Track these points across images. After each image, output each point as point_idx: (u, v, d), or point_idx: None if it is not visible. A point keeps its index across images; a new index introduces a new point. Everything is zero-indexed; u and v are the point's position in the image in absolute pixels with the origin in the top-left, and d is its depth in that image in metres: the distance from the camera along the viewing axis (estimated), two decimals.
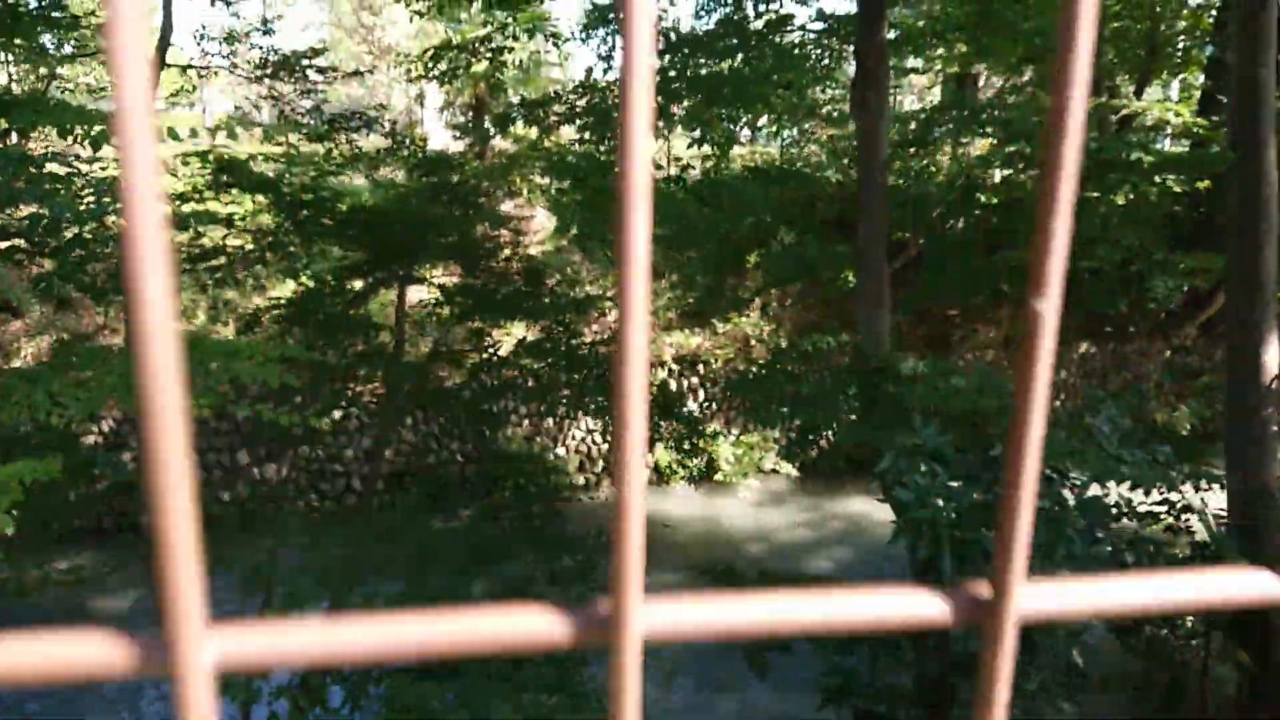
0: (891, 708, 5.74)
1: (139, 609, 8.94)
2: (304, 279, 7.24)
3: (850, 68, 8.15)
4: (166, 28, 5.68)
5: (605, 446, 7.18)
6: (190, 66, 7.22)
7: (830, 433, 5.79)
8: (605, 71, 7.00)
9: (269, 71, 7.17)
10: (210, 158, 6.38)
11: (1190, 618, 6.76)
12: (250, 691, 4.79)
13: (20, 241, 5.77)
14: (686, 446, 7.72)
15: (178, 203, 6.87)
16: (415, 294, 12.27)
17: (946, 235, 8.00)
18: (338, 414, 6.67)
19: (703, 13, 7.13)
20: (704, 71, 5.76)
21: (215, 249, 6.95)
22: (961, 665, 5.70)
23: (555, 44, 7.25)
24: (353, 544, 5.23)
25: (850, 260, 7.21)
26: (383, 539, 5.36)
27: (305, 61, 7.07)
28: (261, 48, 7.45)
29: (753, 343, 16.89)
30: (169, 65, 6.18)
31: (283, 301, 7.25)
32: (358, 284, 7.86)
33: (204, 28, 7.50)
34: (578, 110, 6.61)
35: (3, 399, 3.75)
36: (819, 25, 8.03)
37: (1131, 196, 7.89)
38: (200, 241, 7.34)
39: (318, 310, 7.21)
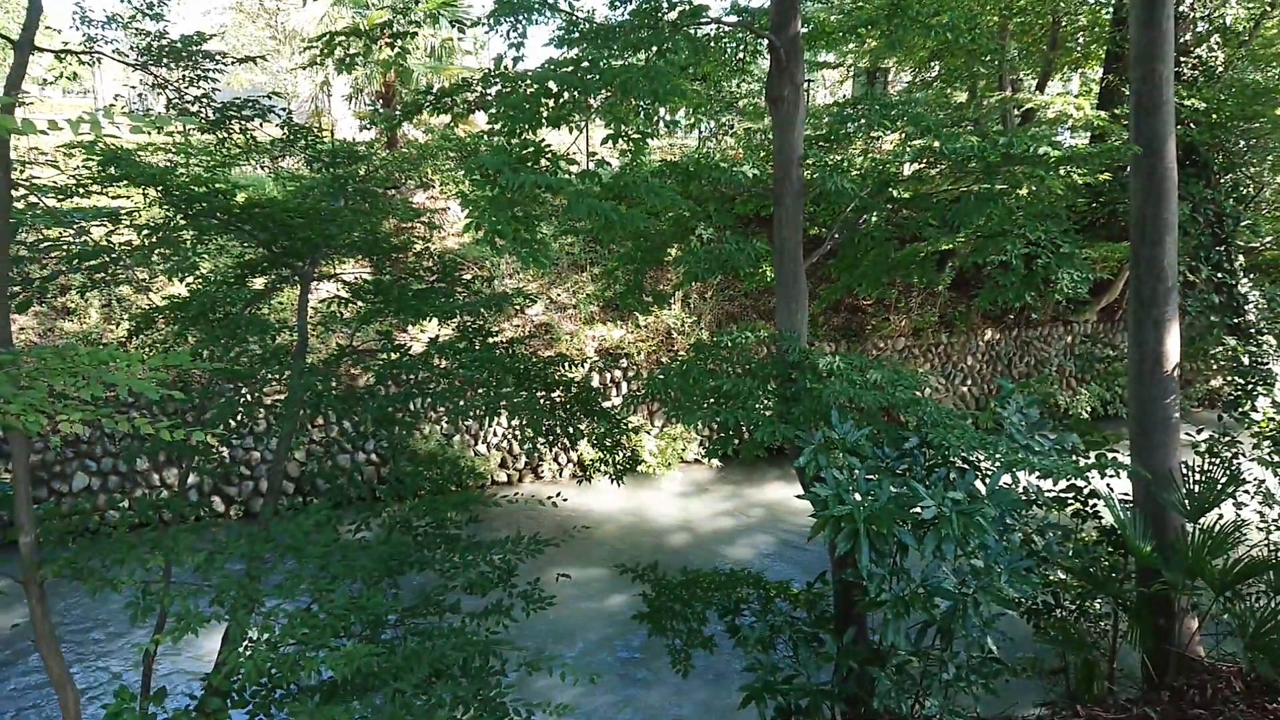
0: (814, 703, 5.75)
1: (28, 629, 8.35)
2: (197, 277, 6.82)
3: (764, 61, 8.12)
4: (35, 7, 5.23)
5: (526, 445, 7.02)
6: (66, 51, 6.69)
7: (750, 429, 5.74)
8: (515, 62, 6.78)
9: (155, 57, 6.70)
10: (97, 149, 5.94)
11: (1099, 601, 6.99)
12: (145, 715, 4.49)
13: None
14: (609, 443, 7.58)
15: (60, 197, 6.40)
16: (326, 291, 11.81)
17: (861, 229, 8.05)
18: (238, 419, 6.29)
19: (618, 3, 6.98)
20: (618, 63, 5.62)
21: (100, 247, 6.50)
22: (879, 657, 5.75)
23: (461, 30, 7.03)
24: (254, 558, 4.93)
25: (768, 255, 7.19)
26: (288, 550, 5.06)
27: (194, 46, 6.63)
28: (149, 32, 6.95)
29: (675, 336, 16.89)
30: (40, 49, 5.70)
31: (177, 301, 6.83)
32: (258, 282, 7.47)
33: (82, 9, 6.97)
34: (489, 98, 6.39)
35: None
36: (733, 18, 7.96)
37: (1034, 189, 8.09)
38: (85, 238, 6.87)
39: (214, 309, 6.81)
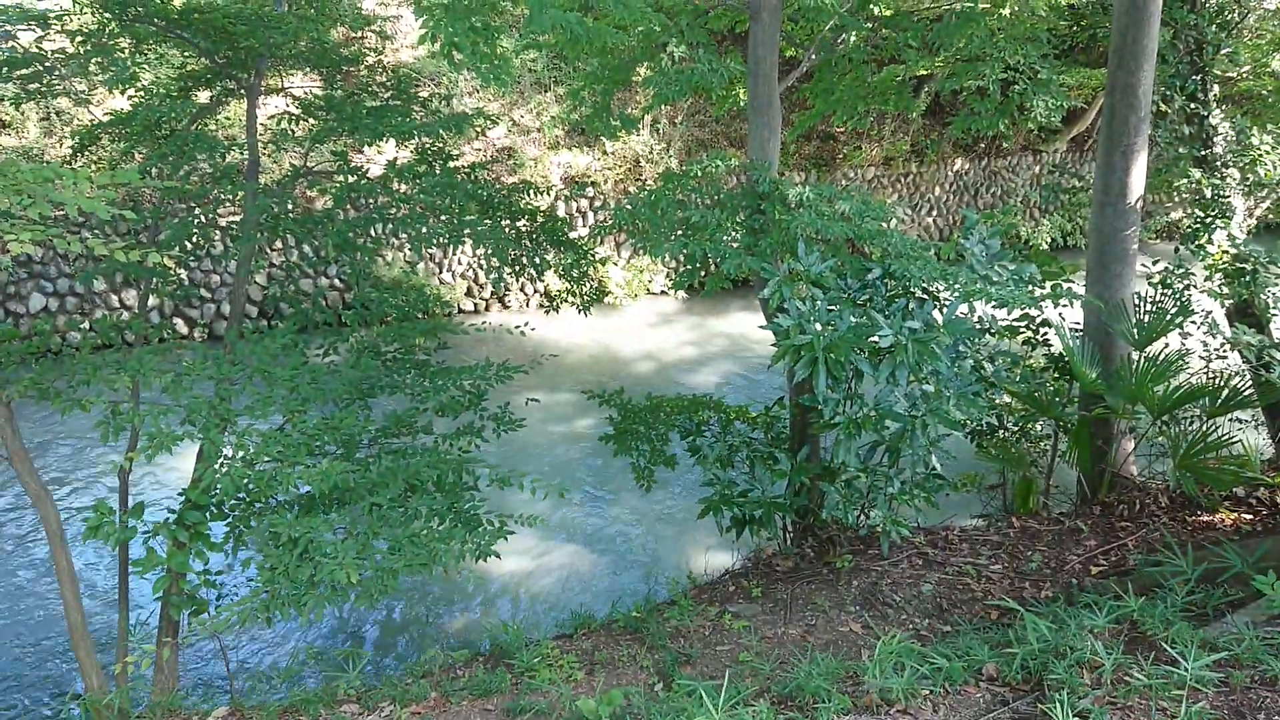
0: (767, 513, 6.12)
1: None
2: (139, 90, 6.42)
3: None
4: None
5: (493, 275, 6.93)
6: None
7: (717, 261, 5.75)
8: None
9: None
10: None
11: (1041, 424, 7.36)
12: (126, 530, 4.65)
13: None
14: (575, 274, 7.55)
15: None
16: (275, 107, 11.22)
17: (839, 50, 7.74)
18: (194, 240, 6.13)
19: None
20: None
21: (30, 54, 6.05)
22: (830, 473, 6.08)
23: None
24: (222, 379, 4.97)
25: (741, 77, 6.92)
26: (256, 372, 5.09)
27: None
28: None
29: (643, 163, 16.49)
30: None
31: (120, 115, 6.46)
32: (202, 96, 7.06)
33: None
34: None
35: None
36: None
37: (1017, 9, 7.77)
38: (11, 44, 6.38)
39: (159, 125, 6.47)
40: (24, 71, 5.96)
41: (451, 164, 6.95)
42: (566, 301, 7.26)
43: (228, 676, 5.79)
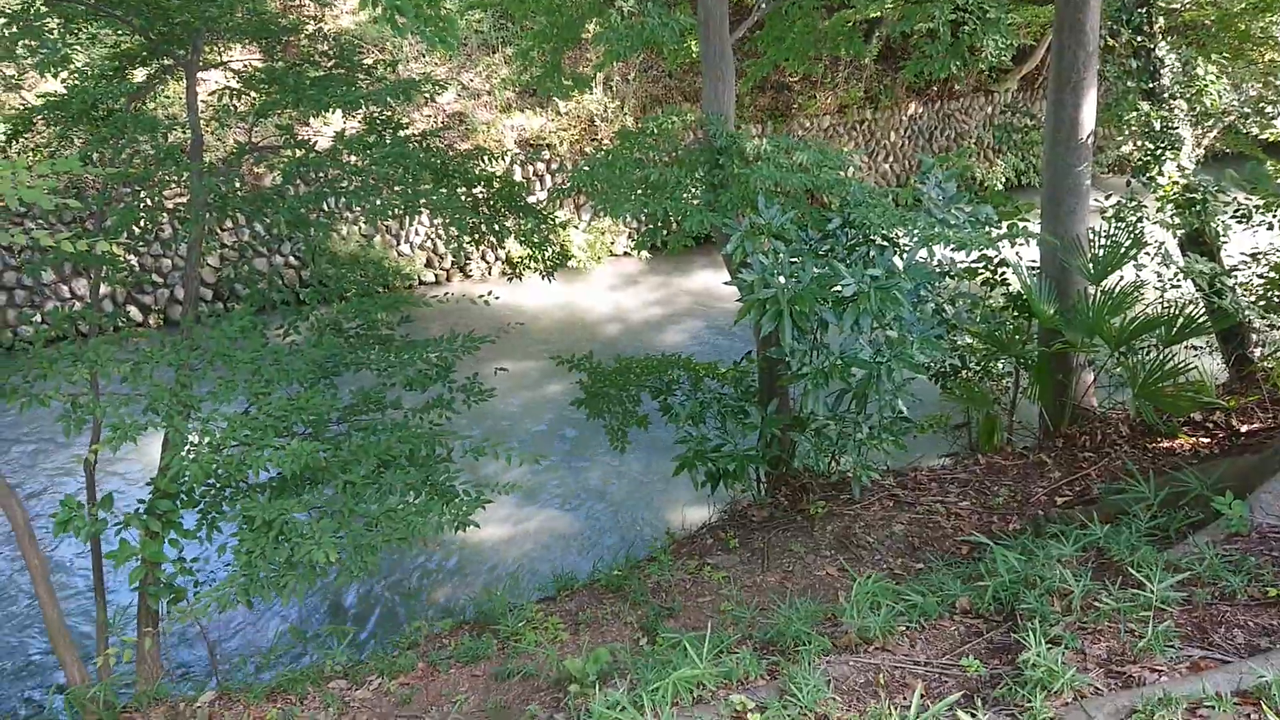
0: (740, 466, 6.19)
1: None
2: (72, 72, 6.19)
3: None
4: None
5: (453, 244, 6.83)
6: None
7: (679, 219, 5.72)
8: None
9: None
10: None
11: (1002, 362, 7.49)
12: (97, 523, 4.59)
13: None
14: (536, 240, 7.47)
15: None
16: (215, 82, 10.88)
17: None
18: (141, 225, 5.97)
19: None
20: None
21: None
22: (799, 423, 6.16)
23: None
24: (181, 365, 4.88)
25: (692, 30, 6.83)
26: (216, 356, 5.01)
27: None
28: None
29: (598, 123, 16.29)
30: None
31: (55, 99, 6.23)
32: (139, 75, 6.82)
33: None
34: None
35: None
36: None
37: None
38: None
39: (95, 107, 6.25)
40: None
41: (402, 133, 6.81)
42: (529, 268, 7.22)
43: (212, 661, 5.78)
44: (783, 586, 5.15)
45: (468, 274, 15.15)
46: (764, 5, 7.49)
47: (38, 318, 11.56)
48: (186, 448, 4.50)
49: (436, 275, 14.95)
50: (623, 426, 7.40)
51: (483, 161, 7.22)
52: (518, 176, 14.93)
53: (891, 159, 19.09)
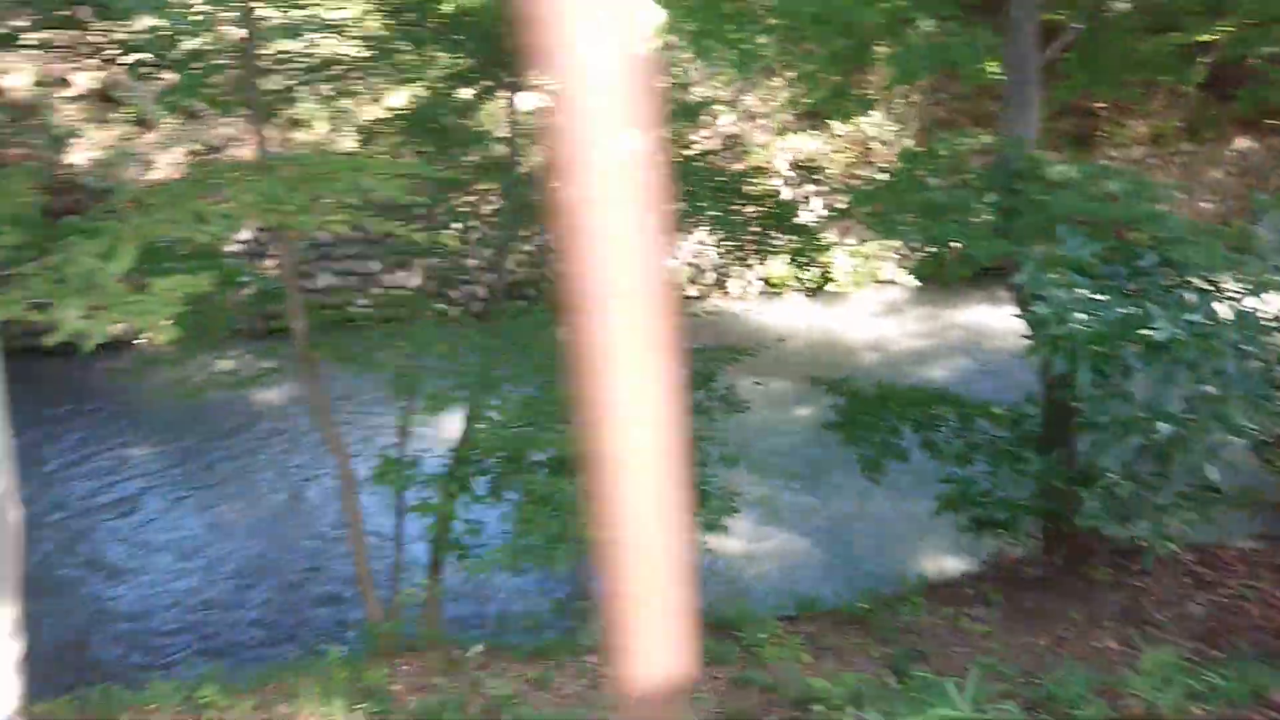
0: (1012, 516, 5.78)
1: (293, 401, 9.77)
2: (416, 88, 7.13)
3: None
4: None
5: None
6: None
7: (962, 245, 5.49)
8: None
9: None
10: None
11: None
12: (405, 478, 5.23)
13: (145, 55, 5.88)
14: (802, 260, 7.49)
15: (285, 10, 6.76)
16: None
17: (1107, 16, 7.09)
18: (464, 226, 6.75)
19: None
20: None
21: (330, 59, 6.89)
22: (1086, 478, 5.64)
23: None
24: (485, 352, 5.44)
25: (995, 50, 6.53)
26: (512, 347, 5.54)
27: None
28: None
29: (874, 146, 15.94)
30: None
31: (399, 113, 7.21)
32: (467, 93, 7.69)
33: None
34: None
35: (149, 214, 3.93)
36: None
37: None
38: (312, 51, 7.27)
39: (431, 121, 7.12)
40: (330, 72, 6.80)
41: (685, 151, 7.12)
42: (788, 287, 7.25)
43: (481, 619, 6.35)
44: (1054, 652, 4.76)
45: (726, 291, 15.44)
46: (1077, 25, 6.97)
47: (363, 301, 13.36)
48: (482, 423, 5.01)
49: (699, 290, 15.38)
50: (879, 457, 7.18)
51: (756, 181, 7.35)
52: (787, 197, 14.99)
53: (1217, 197, 16.95)
